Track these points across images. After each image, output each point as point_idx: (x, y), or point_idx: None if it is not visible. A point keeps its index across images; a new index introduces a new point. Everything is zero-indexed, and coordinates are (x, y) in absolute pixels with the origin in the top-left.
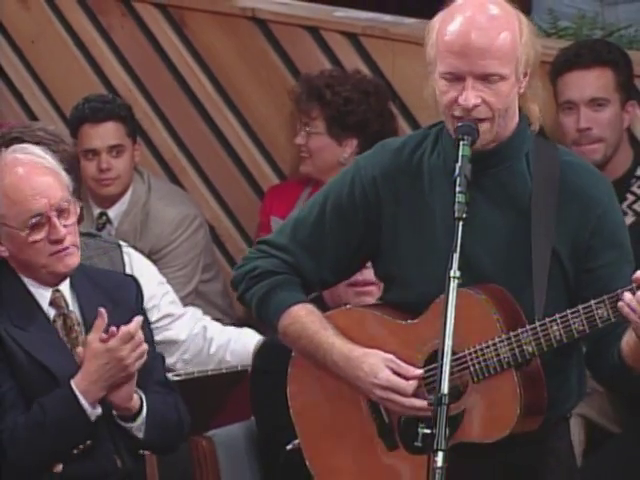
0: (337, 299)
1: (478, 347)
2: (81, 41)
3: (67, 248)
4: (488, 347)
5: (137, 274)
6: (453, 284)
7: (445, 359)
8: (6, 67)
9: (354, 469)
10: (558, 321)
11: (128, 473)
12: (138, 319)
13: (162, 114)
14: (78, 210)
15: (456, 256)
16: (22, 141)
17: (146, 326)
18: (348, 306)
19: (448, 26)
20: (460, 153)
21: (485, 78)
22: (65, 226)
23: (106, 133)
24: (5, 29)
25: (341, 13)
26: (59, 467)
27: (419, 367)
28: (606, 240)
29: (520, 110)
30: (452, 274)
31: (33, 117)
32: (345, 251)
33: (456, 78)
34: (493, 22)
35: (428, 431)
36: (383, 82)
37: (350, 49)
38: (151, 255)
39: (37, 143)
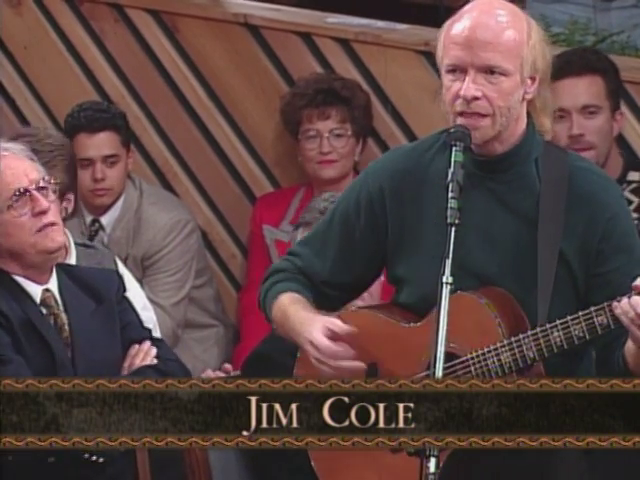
0: None
1: (480, 352)
2: (74, 47)
3: (53, 224)
4: (490, 352)
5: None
6: (446, 290)
7: (438, 364)
8: None
9: (358, 468)
10: (559, 327)
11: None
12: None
13: (154, 120)
14: (72, 206)
15: (448, 262)
16: (36, 152)
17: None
18: (354, 307)
19: (455, 23)
20: (452, 159)
21: (487, 71)
22: (48, 202)
23: (101, 143)
24: None
25: (333, 19)
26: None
27: (423, 371)
28: (615, 244)
29: (529, 116)
30: (445, 280)
31: (25, 123)
32: (352, 257)
33: (460, 71)
34: (499, 20)
35: None
36: (376, 87)
37: (342, 55)
38: (144, 261)
39: (51, 151)
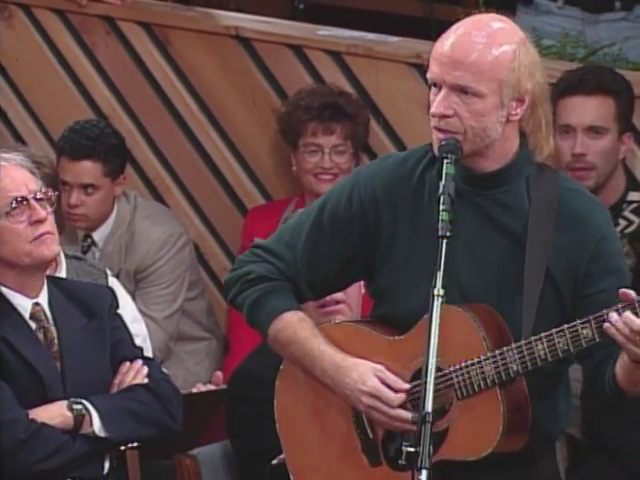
0: None
1: (464, 364)
2: (65, 60)
3: (49, 232)
4: (473, 365)
5: None
6: (437, 302)
7: (429, 377)
8: None
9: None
10: (543, 340)
11: None
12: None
13: (146, 132)
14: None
15: (440, 274)
16: None
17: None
18: (337, 320)
19: (442, 38)
20: (444, 171)
21: (460, 90)
22: (45, 212)
23: (80, 171)
24: None
25: (325, 32)
26: None
27: (407, 382)
28: (605, 266)
29: (522, 135)
30: (436, 292)
31: (17, 136)
32: (338, 262)
33: (438, 87)
34: (477, 40)
35: (412, 449)
36: (367, 100)
37: (334, 67)
38: (137, 274)
39: None
